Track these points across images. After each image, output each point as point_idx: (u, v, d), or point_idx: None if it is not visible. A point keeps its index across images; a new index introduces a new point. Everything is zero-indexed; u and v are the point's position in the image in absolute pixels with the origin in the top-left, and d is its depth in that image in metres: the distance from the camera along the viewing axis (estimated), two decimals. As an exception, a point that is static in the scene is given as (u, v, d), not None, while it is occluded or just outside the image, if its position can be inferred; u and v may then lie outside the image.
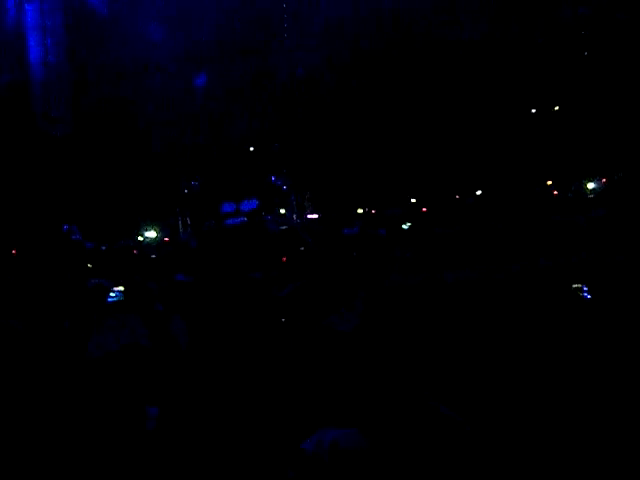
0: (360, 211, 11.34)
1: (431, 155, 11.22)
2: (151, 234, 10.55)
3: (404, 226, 11.11)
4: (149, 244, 10.41)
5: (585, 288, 9.72)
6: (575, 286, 9.73)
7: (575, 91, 10.89)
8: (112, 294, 9.29)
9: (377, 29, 11.01)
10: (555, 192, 11.32)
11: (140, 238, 10.60)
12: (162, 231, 10.60)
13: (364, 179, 11.00)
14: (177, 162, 10.83)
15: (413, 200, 11.56)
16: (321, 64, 10.97)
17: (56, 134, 10.03)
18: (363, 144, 11.02)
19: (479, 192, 11.54)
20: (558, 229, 10.41)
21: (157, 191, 10.65)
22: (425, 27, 11.10)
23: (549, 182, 11.18)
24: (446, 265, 9.97)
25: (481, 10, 10.97)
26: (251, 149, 11.17)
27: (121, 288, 9.24)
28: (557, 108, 11.23)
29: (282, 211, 11.37)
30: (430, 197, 11.54)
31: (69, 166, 10.08)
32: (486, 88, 11.15)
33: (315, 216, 11.24)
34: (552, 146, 10.87)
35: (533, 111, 11.33)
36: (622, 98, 10.59)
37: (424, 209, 11.35)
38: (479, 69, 11.16)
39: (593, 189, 10.93)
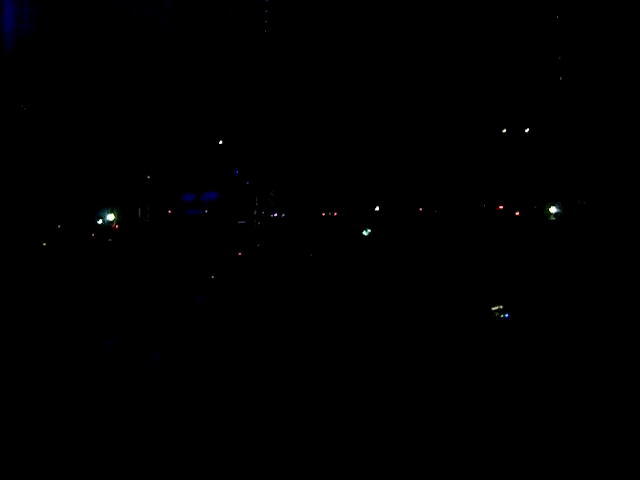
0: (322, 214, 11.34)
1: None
2: (110, 217, 10.43)
3: (365, 232, 11.15)
4: (108, 226, 10.30)
5: (505, 310, 9.87)
6: (495, 308, 9.88)
7: (546, 114, 10.97)
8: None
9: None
10: (517, 213, 11.40)
11: (100, 221, 10.49)
12: (122, 215, 10.51)
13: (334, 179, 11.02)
14: (142, 148, 10.71)
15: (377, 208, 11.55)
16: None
17: (24, 108, 9.88)
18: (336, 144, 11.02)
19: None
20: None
21: (119, 174, 10.53)
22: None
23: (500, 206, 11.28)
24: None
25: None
26: (220, 142, 11.07)
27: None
28: (527, 130, 11.28)
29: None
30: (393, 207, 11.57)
31: (34, 142, 9.96)
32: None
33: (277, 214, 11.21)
34: (517, 167, 10.97)
35: (504, 131, 11.37)
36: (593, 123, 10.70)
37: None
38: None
39: (555, 213, 10.99)
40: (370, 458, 5.48)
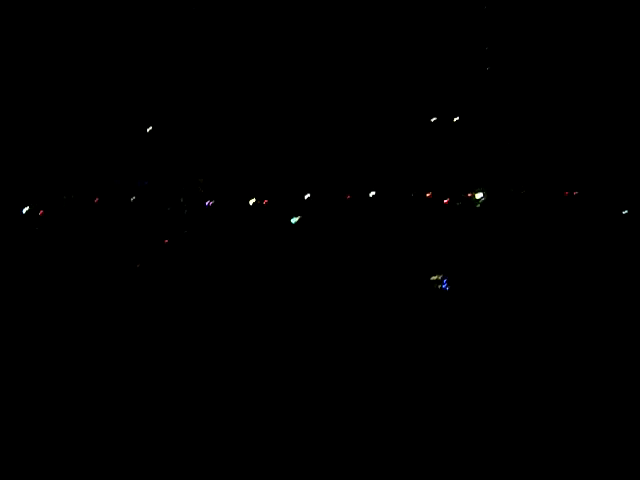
0: (252, 201, 11.36)
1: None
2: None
3: (293, 220, 11.22)
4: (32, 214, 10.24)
5: (444, 279, 10.21)
6: (434, 278, 10.21)
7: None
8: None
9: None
10: (446, 200, 11.53)
11: (24, 210, 10.41)
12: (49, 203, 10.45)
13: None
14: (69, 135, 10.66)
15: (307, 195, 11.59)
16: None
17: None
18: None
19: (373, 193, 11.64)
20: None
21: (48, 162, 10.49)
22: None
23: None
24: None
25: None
26: (149, 129, 11.05)
27: None
28: (456, 119, 11.40)
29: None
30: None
31: None
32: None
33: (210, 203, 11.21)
34: (446, 155, 11.13)
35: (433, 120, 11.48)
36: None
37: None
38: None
39: (479, 199, 11.16)
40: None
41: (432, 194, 11.56)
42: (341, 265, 10.70)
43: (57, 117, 10.52)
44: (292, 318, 9.15)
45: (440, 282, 10.14)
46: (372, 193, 11.67)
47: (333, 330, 8.60)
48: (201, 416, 6.17)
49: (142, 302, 9.65)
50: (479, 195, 11.09)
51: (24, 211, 10.08)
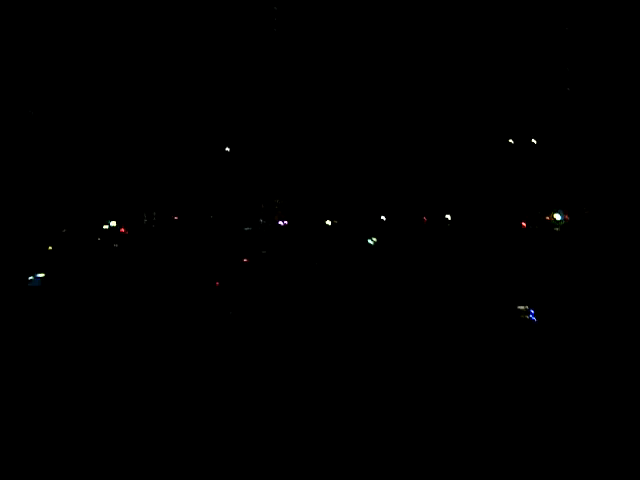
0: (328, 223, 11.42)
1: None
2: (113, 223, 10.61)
3: (370, 241, 11.19)
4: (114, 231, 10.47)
5: (532, 310, 9.77)
6: (521, 308, 9.81)
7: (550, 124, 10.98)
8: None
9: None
10: (524, 224, 11.36)
11: (106, 226, 10.67)
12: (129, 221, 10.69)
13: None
14: (151, 155, 10.92)
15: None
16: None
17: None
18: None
19: (448, 216, 11.58)
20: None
21: (126, 178, 10.74)
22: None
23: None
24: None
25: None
26: (227, 149, 11.25)
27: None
28: (534, 141, 11.29)
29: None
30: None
31: (42, 147, 10.22)
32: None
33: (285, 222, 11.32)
34: (522, 177, 10.98)
35: (510, 141, 11.39)
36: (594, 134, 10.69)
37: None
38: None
39: (559, 221, 10.96)
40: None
41: (509, 216, 11.42)
42: (420, 288, 10.56)
43: (139, 135, 10.80)
44: (372, 339, 9.04)
45: (527, 312, 9.74)
46: (448, 216, 11.61)
47: (416, 357, 8.43)
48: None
49: (220, 319, 9.69)
50: (558, 216, 10.90)
51: (108, 226, 10.33)
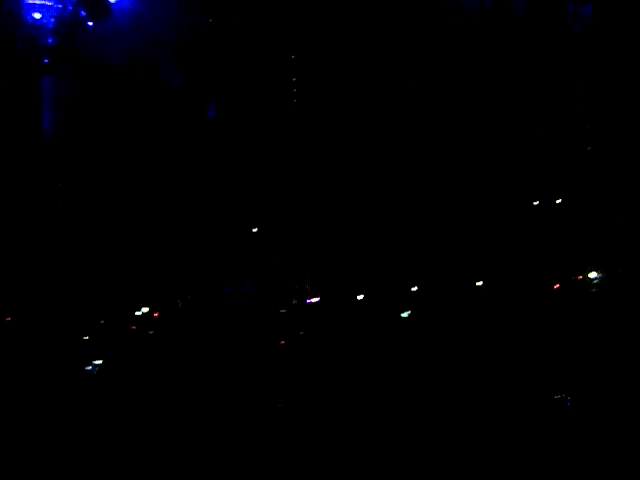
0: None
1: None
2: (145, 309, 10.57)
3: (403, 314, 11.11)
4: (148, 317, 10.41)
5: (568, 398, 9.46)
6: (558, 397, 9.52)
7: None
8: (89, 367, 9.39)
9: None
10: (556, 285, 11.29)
11: (139, 313, 10.60)
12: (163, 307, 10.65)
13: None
14: (179, 240, 10.94)
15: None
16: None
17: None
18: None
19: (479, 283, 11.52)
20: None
21: (158, 267, 10.73)
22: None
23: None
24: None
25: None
26: (254, 230, 11.23)
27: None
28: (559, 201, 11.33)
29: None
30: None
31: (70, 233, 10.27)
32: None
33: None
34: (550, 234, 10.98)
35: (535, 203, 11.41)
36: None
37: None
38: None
39: (595, 279, 10.87)
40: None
41: (541, 280, 11.36)
42: (455, 363, 10.40)
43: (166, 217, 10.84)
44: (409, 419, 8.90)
45: (564, 401, 9.38)
46: (479, 283, 11.54)
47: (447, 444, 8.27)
48: None
49: (259, 405, 9.54)
50: (593, 275, 10.82)
51: (140, 313, 10.24)
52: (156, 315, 10.43)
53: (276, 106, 11.02)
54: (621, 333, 9.85)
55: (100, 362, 9.55)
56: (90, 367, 9.68)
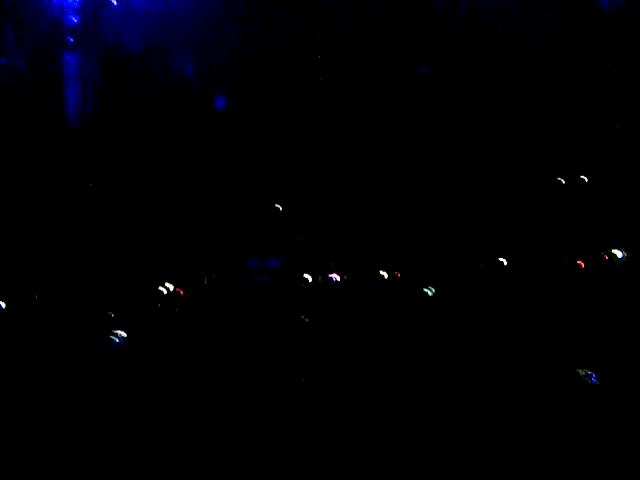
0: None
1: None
2: (170, 286, 10.65)
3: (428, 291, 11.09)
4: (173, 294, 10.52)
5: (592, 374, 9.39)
6: (581, 371, 9.46)
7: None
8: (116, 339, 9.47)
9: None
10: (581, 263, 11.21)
11: (164, 291, 10.70)
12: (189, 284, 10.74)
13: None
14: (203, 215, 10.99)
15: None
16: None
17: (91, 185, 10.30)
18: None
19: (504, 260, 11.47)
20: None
21: (183, 243, 10.81)
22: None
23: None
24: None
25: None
26: (279, 208, 11.27)
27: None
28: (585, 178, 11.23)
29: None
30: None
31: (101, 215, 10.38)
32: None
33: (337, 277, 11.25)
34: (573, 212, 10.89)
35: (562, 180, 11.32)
36: None
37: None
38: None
39: (620, 259, 10.76)
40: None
41: (566, 258, 11.28)
42: (478, 341, 10.38)
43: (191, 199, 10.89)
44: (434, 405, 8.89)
45: (588, 376, 9.32)
46: (504, 261, 11.49)
47: (471, 420, 8.27)
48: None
49: (283, 383, 9.60)
50: (619, 253, 10.70)
51: (166, 290, 10.33)
52: (181, 292, 10.54)
53: (292, 95, 11.00)
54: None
55: (125, 335, 9.65)
56: (117, 339, 9.78)
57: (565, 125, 10.91)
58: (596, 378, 9.08)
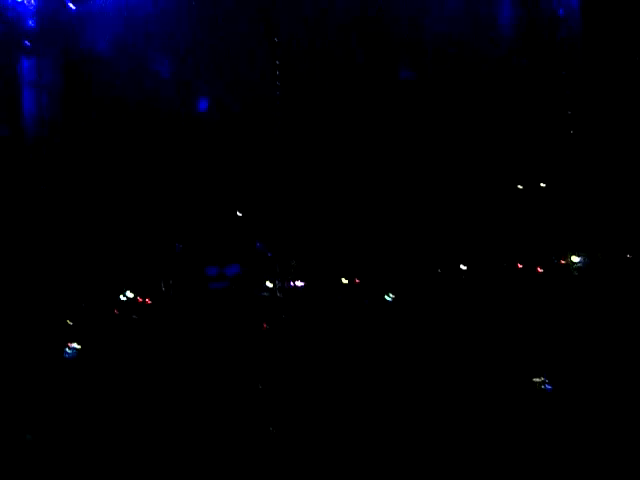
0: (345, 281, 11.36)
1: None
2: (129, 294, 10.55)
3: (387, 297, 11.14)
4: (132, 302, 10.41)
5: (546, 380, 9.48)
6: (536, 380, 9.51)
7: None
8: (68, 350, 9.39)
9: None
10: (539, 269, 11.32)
11: (123, 297, 10.60)
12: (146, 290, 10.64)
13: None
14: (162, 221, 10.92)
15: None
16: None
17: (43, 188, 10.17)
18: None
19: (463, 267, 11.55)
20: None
21: (141, 248, 10.72)
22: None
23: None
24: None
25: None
26: (238, 214, 11.22)
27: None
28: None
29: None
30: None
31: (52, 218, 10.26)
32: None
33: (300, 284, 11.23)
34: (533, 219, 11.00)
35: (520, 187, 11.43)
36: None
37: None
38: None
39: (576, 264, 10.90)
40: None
41: (523, 264, 11.38)
42: (436, 346, 10.41)
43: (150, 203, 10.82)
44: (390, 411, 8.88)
45: (543, 383, 9.38)
46: (463, 267, 11.57)
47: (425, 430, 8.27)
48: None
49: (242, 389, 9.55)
50: (576, 259, 10.84)
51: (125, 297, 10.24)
52: (140, 300, 10.44)
53: (269, 98, 10.99)
54: (602, 316, 9.90)
55: (79, 347, 9.55)
56: (70, 351, 9.68)
57: (525, 133, 11.03)
58: (550, 385, 9.15)
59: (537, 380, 9.26)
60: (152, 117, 10.72)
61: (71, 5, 10.35)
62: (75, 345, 9.44)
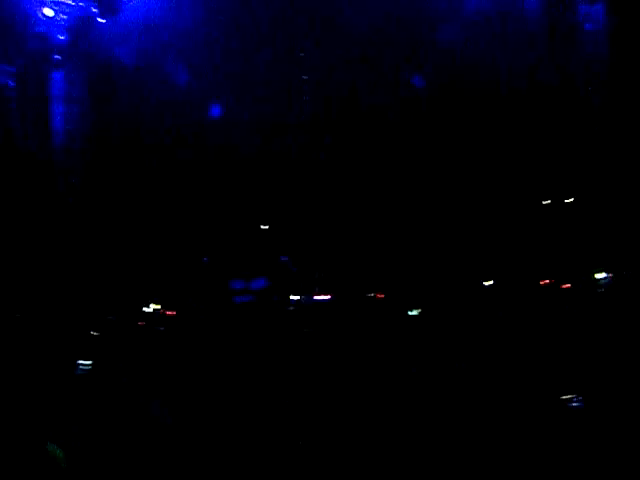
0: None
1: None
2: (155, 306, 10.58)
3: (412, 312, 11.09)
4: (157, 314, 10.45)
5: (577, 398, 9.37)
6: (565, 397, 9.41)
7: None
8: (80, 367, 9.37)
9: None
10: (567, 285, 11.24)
11: (147, 310, 10.64)
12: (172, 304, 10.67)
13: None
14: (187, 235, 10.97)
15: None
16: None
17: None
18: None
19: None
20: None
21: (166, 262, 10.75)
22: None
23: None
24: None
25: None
26: (264, 227, 11.25)
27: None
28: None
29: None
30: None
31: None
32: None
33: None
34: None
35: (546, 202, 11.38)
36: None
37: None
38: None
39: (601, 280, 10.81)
40: None
41: (550, 280, 11.32)
42: (463, 362, 10.34)
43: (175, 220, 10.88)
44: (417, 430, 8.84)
45: (571, 400, 9.27)
46: (488, 282, 11.52)
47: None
48: None
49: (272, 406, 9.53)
50: (601, 276, 10.75)
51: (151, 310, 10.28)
52: (166, 312, 10.48)
53: (283, 106, 11.03)
54: (628, 333, 9.81)
55: (90, 362, 9.54)
56: (82, 367, 9.67)
57: (552, 149, 11.00)
58: (582, 402, 9.05)
59: (565, 397, 9.19)
60: (179, 130, 10.80)
61: (101, 20, 10.47)
62: (87, 362, 9.46)
